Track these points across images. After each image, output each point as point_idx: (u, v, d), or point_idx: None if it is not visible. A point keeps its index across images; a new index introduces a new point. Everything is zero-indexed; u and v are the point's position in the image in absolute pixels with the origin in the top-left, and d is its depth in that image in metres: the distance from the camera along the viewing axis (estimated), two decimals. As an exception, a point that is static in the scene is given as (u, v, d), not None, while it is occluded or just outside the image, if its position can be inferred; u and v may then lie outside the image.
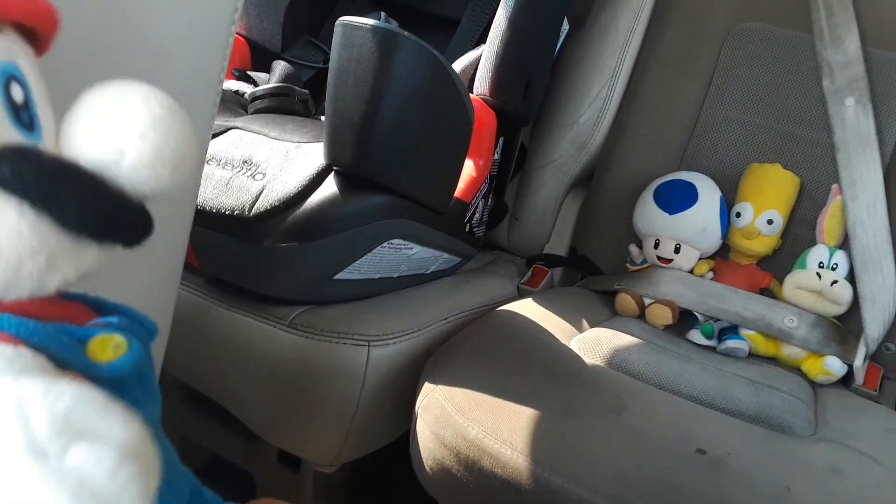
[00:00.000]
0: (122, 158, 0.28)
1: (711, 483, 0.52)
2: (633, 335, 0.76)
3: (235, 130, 0.71)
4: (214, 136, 0.70)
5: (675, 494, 0.51)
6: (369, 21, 0.58)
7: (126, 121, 0.28)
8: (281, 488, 0.82)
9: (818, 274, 0.80)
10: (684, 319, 0.84)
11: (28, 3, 0.27)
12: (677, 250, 0.86)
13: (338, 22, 0.59)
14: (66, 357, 0.26)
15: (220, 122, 0.73)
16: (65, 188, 0.26)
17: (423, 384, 0.64)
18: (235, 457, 0.84)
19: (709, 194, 0.86)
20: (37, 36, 0.29)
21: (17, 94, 0.28)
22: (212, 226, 0.62)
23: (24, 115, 0.28)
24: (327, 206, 0.60)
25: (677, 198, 0.86)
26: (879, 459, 0.59)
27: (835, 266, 0.81)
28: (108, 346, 0.27)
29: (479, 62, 0.81)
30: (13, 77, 0.28)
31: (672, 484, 0.52)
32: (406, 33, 0.58)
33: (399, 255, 0.70)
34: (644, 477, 0.52)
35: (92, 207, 0.26)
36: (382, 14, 0.60)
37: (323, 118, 0.63)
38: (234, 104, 0.82)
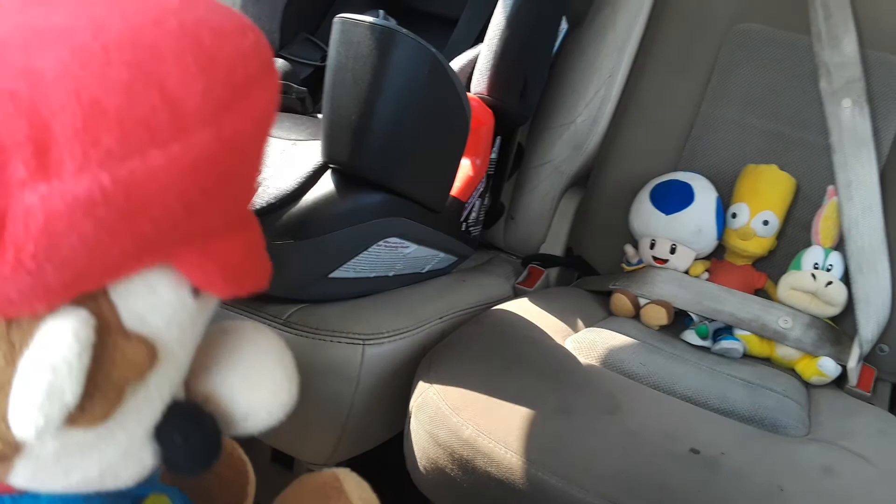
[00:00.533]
0: (243, 421, 0.32)
1: (705, 483, 0.52)
2: (628, 335, 0.76)
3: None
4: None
5: (668, 494, 0.51)
6: (367, 18, 0.58)
7: (268, 396, 0.32)
8: (274, 487, 0.82)
9: (813, 275, 0.81)
10: (679, 320, 0.84)
11: (257, 289, 0.29)
12: (673, 251, 0.86)
13: (336, 19, 0.59)
14: None
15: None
16: (203, 457, 0.30)
17: (417, 383, 0.64)
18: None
19: (705, 195, 0.86)
20: None
21: None
22: (207, 223, 0.61)
23: None
24: (323, 203, 0.60)
25: (673, 198, 0.86)
26: (872, 460, 0.59)
27: (830, 267, 0.81)
28: None
29: (477, 61, 0.81)
30: None
31: (665, 483, 0.52)
32: (404, 31, 0.58)
33: (395, 253, 0.69)
34: (638, 476, 0.53)
35: (204, 467, 0.30)
36: (381, 12, 0.60)
37: (320, 116, 0.62)
38: (231, 101, 0.82)
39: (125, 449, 0.27)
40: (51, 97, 0.21)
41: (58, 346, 0.23)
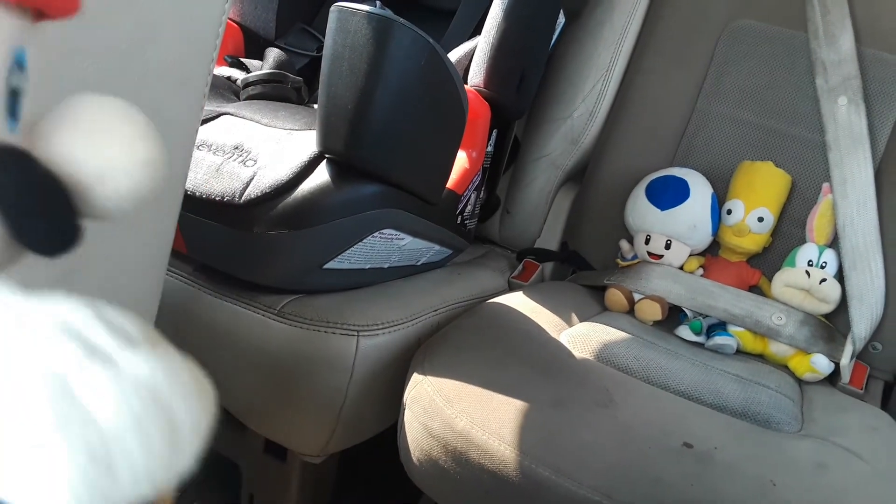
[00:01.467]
0: (99, 185, 0.28)
1: (698, 477, 0.52)
2: (622, 330, 0.76)
3: (227, 116, 0.70)
4: (206, 121, 0.69)
5: (661, 487, 0.51)
6: (364, 7, 0.57)
7: (119, 151, 0.28)
8: (267, 478, 0.82)
9: (807, 272, 0.81)
10: (673, 315, 0.84)
11: None
12: (668, 246, 0.86)
13: (332, 7, 0.59)
14: None
15: (211, 107, 0.72)
16: (45, 208, 0.26)
17: (411, 375, 0.63)
18: (221, 446, 0.83)
19: (700, 191, 0.86)
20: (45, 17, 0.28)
21: (15, 81, 0.27)
22: (201, 212, 0.61)
23: (13, 104, 0.27)
24: (318, 193, 0.60)
25: (669, 194, 0.86)
26: (864, 456, 0.59)
27: (824, 264, 0.82)
28: None
29: (474, 54, 0.81)
30: (20, 64, 0.27)
31: (658, 477, 0.52)
32: (401, 20, 0.57)
33: (390, 245, 0.69)
34: (631, 470, 0.53)
35: (57, 231, 0.26)
36: (377, 2, 0.60)
37: (316, 106, 0.62)
38: (227, 90, 0.82)
39: None
40: None
41: None
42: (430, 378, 0.61)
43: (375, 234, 0.65)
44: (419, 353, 0.66)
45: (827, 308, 0.81)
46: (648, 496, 0.51)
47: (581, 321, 0.78)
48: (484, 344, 0.66)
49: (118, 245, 0.45)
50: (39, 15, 0.26)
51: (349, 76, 0.58)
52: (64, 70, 0.36)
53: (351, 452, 0.75)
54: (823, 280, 0.80)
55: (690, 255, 0.87)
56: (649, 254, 0.87)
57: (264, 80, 0.81)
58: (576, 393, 0.61)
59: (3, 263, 0.26)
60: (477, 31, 0.85)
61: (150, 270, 0.49)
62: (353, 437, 0.70)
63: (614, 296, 0.85)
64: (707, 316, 0.83)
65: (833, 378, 0.79)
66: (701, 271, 0.88)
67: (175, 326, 0.67)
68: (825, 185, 0.84)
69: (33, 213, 0.25)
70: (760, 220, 0.84)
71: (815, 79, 0.87)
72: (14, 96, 0.26)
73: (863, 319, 0.79)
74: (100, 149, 0.28)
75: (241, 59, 0.92)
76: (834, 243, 0.83)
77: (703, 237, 0.87)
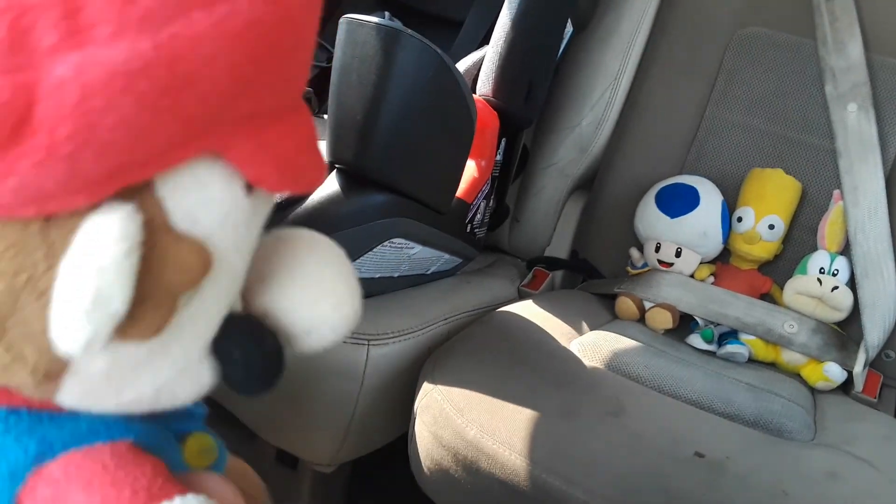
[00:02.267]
0: (305, 337, 0.29)
1: (709, 486, 0.52)
2: (632, 339, 0.75)
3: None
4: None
5: (672, 497, 0.51)
6: (373, 19, 0.58)
7: (330, 310, 0.29)
8: (278, 488, 0.82)
9: (819, 280, 0.80)
10: (684, 323, 0.84)
11: (314, 186, 0.27)
12: (678, 254, 0.86)
13: (342, 19, 0.59)
14: (173, 459, 0.27)
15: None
16: (264, 374, 0.28)
17: (422, 384, 0.63)
18: (233, 455, 0.83)
19: (710, 198, 0.86)
20: None
21: None
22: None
23: None
24: (328, 203, 0.60)
25: (679, 201, 0.86)
26: (877, 465, 0.59)
27: (836, 272, 0.81)
28: (202, 450, 0.29)
29: (483, 63, 0.81)
30: None
31: (670, 487, 0.52)
32: (410, 31, 0.58)
33: (400, 254, 0.69)
34: (642, 479, 0.52)
35: (265, 382, 0.28)
36: (387, 13, 0.60)
37: (326, 117, 0.63)
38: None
39: (181, 365, 0.25)
40: None
41: (103, 244, 0.20)
42: (440, 387, 0.61)
43: (385, 243, 0.65)
44: (429, 361, 0.66)
45: (839, 316, 0.81)
46: (660, 506, 0.50)
47: (591, 330, 0.78)
48: (494, 353, 0.67)
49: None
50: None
51: (358, 87, 0.58)
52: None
53: (362, 461, 0.75)
54: (835, 288, 0.80)
55: (701, 263, 0.87)
56: (659, 262, 0.87)
57: (275, 92, 0.81)
58: (586, 402, 0.61)
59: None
60: (485, 40, 0.86)
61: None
62: (364, 447, 0.70)
63: (624, 304, 0.84)
64: (718, 324, 0.83)
65: (846, 386, 0.79)
66: (712, 279, 0.87)
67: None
68: (836, 192, 0.84)
69: (251, 380, 0.27)
70: (771, 227, 0.84)
71: (825, 86, 0.87)
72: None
73: (875, 327, 0.78)
74: (314, 307, 0.29)
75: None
76: (846, 251, 0.83)
77: (714, 245, 0.86)
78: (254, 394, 0.28)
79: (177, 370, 0.25)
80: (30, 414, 0.24)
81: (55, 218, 0.21)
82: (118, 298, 0.21)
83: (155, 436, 0.27)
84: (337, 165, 0.62)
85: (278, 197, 0.59)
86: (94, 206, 0.21)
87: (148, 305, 0.22)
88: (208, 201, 0.23)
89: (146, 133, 0.20)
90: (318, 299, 0.29)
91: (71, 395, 0.24)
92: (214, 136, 0.22)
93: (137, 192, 0.22)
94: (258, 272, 0.29)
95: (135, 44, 0.19)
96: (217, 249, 0.24)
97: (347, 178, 0.61)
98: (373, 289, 0.71)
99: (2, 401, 0.24)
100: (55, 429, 0.24)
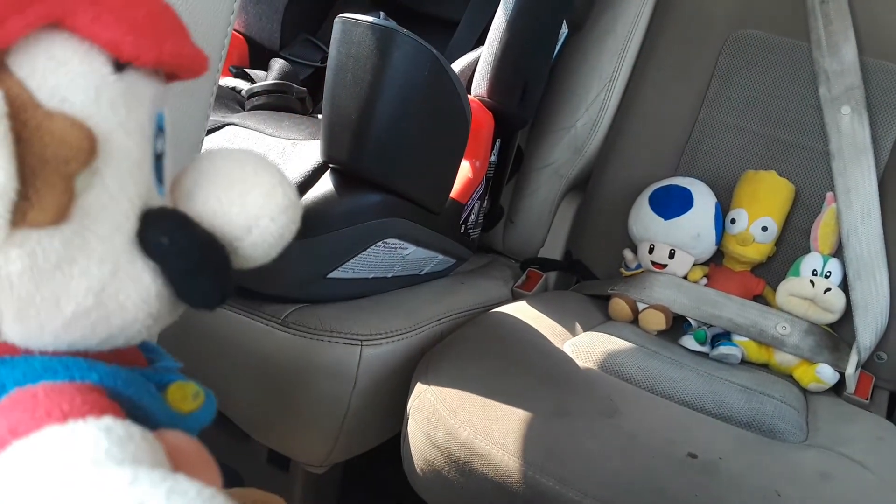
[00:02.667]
0: (247, 235, 0.29)
1: (702, 487, 0.52)
2: (626, 340, 0.76)
3: (232, 127, 0.71)
4: (211, 131, 0.70)
5: (665, 498, 0.51)
6: (368, 18, 0.58)
7: (261, 199, 0.29)
8: (270, 488, 0.81)
9: (811, 281, 0.81)
10: (677, 325, 0.84)
11: (188, 58, 0.27)
12: (672, 255, 0.86)
13: (337, 19, 0.59)
14: (152, 407, 0.26)
15: (216, 117, 0.73)
16: (205, 267, 0.27)
17: (415, 385, 0.63)
18: (224, 456, 0.83)
19: (704, 200, 0.86)
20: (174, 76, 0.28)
21: (160, 145, 0.28)
22: (205, 221, 0.61)
23: (160, 167, 0.28)
24: (322, 203, 0.60)
25: (673, 203, 0.86)
26: (869, 466, 0.59)
27: (828, 274, 0.81)
28: (187, 395, 0.29)
29: (478, 64, 0.81)
30: (160, 128, 0.28)
31: (662, 487, 0.52)
32: (405, 31, 0.58)
33: (394, 254, 0.69)
34: (634, 480, 0.52)
35: (219, 286, 0.27)
36: (382, 13, 0.60)
37: (320, 116, 0.62)
38: (232, 101, 0.82)
39: (111, 263, 0.25)
40: None
41: None
42: (433, 388, 0.61)
43: (379, 243, 0.65)
44: (422, 362, 0.66)
45: (832, 317, 0.81)
46: (653, 507, 0.50)
47: (585, 331, 0.78)
48: (487, 353, 0.66)
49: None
50: (171, 77, 0.28)
51: (353, 86, 0.58)
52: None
53: (354, 462, 0.75)
54: (828, 289, 0.80)
55: (694, 265, 0.87)
56: (653, 263, 0.87)
57: (269, 91, 0.81)
58: (579, 403, 0.61)
59: (166, 321, 0.27)
60: (480, 41, 0.86)
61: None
62: (357, 447, 0.70)
63: (618, 305, 0.85)
64: (711, 325, 0.83)
65: (838, 388, 0.79)
66: (705, 281, 0.87)
67: (178, 335, 0.67)
68: (829, 195, 0.84)
69: (195, 273, 0.26)
70: (764, 229, 0.84)
71: (818, 88, 0.87)
72: (159, 160, 0.28)
73: (868, 329, 0.79)
74: (244, 200, 0.29)
75: (246, 70, 0.92)
76: (838, 253, 0.83)
77: (707, 246, 0.86)
78: (208, 296, 0.27)
79: (107, 269, 0.25)
80: None
81: None
82: (1, 172, 0.21)
83: (129, 382, 0.26)
84: (331, 165, 0.62)
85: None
86: None
87: (39, 185, 0.22)
88: (70, 77, 0.23)
89: None
90: (246, 192, 0.29)
91: (12, 320, 0.24)
92: (48, 1, 0.23)
93: None
94: (183, 188, 0.29)
95: None
96: (101, 130, 0.24)
97: (341, 178, 0.61)
98: (366, 289, 0.71)
99: None
100: (8, 369, 0.24)
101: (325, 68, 0.61)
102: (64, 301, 0.24)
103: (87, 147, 0.23)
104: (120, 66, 0.25)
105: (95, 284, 0.24)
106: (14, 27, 0.22)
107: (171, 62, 0.26)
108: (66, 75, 0.23)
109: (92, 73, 0.24)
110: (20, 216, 0.22)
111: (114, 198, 0.25)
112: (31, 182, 0.22)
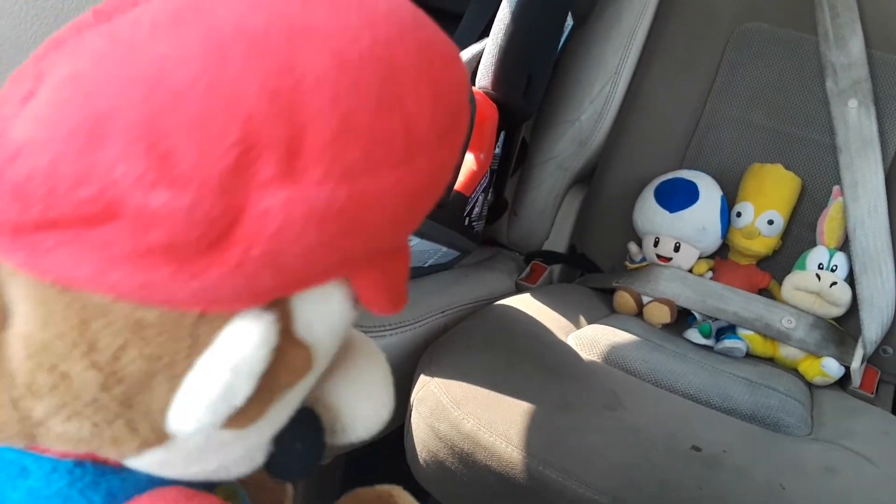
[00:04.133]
0: (343, 433, 0.31)
1: (706, 480, 0.52)
2: (630, 333, 0.75)
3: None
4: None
5: (669, 490, 0.51)
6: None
7: (372, 412, 0.31)
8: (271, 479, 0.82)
9: (817, 275, 0.80)
10: (682, 318, 0.84)
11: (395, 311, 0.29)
12: (677, 249, 0.86)
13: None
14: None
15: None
16: (307, 461, 0.29)
17: (418, 376, 0.63)
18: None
19: (710, 193, 0.86)
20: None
21: None
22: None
23: None
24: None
25: (678, 196, 0.86)
26: (874, 460, 0.59)
27: (834, 268, 0.81)
28: (228, 495, 0.31)
29: (482, 56, 0.81)
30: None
31: (666, 480, 0.52)
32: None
33: (397, 246, 0.69)
34: (638, 472, 0.52)
35: (304, 469, 0.30)
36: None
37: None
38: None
39: (250, 450, 0.27)
40: (310, 100, 0.21)
41: (244, 347, 0.23)
42: (437, 379, 0.61)
43: (383, 235, 0.65)
44: (426, 354, 0.66)
45: (837, 311, 0.81)
46: (656, 498, 0.50)
47: (589, 323, 0.78)
48: (491, 346, 0.66)
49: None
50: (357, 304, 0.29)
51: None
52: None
53: (357, 453, 0.75)
54: (834, 283, 0.79)
55: (699, 258, 0.87)
56: (658, 256, 0.87)
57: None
58: (583, 395, 0.61)
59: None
60: (485, 33, 0.85)
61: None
62: (360, 439, 0.70)
63: (623, 298, 0.84)
64: (716, 319, 0.83)
65: (843, 382, 0.79)
66: (710, 274, 0.87)
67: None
68: (835, 188, 0.84)
69: (296, 465, 0.29)
70: (770, 222, 0.84)
71: (825, 81, 0.87)
72: None
73: (873, 323, 0.78)
74: (359, 403, 0.31)
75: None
76: (844, 246, 0.83)
77: (713, 240, 0.86)
78: (291, 478, 0.30)
79: (244, 452, 0.27)
80: (94, 467, 0.26)
81: (207, 315, 0.23)
82: (242, 395, 0.23)
83: (192, 486, 0.28)
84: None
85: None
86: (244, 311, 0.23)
87: (255, 400, 0.24)
88: (326, 314, 0.26)
89: (315, 260, 0.23)
90: (362, 398, 0.31)
91: (146, 463, 0.25)
92: (355, 265, 0.25)
93: (278, 302, 0.24)
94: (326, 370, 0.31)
95: (335, 191, 0.21)
96: (318, 353, 0.26)
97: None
98: (370, 281, 0.71)
99: (69, 454, 0.26)
100: (118, 481, 0.26)
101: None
102: (195, 467, 0.26)
103: (305, 372, 0.25)
104: (356, 303, 0.27)
105: (227, 461, 0.27)
106: (321, 282, 0.24)
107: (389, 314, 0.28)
108: (323, 311, 0.25)
109: (341, 313, 0.26)
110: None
111: (290, 405, 0.27)
112: (251, 398, 0.24)
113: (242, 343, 0.23)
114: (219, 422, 0.23)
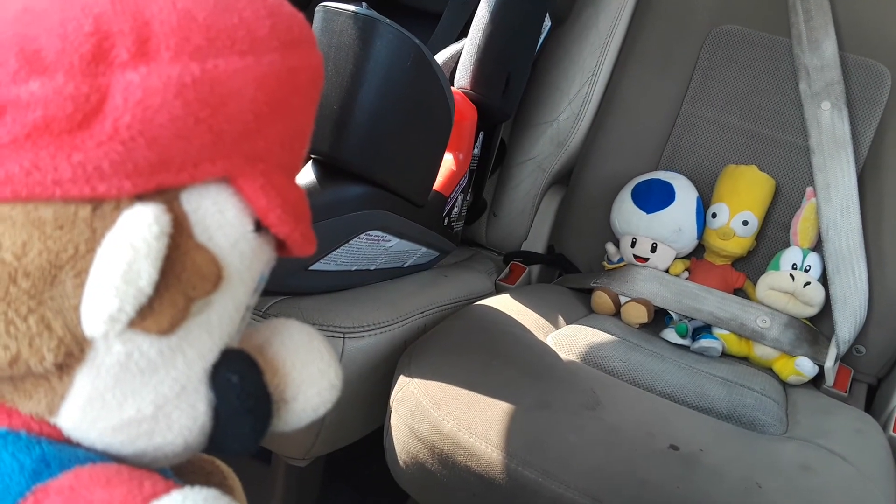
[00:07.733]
0: (293, 400, 0.32)
1: (683, 478, 0.52)
2: (608, 333, 0.76)
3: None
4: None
5: (647, 489, 0.51)
6: (350, 7, 0.57)
7: (317, 374, 0.33)
8: (251, 482, 0.81)
9: (791, 275, 0.81)
10: (659, 318, 0.85)
11: (308, 241, 0.32)
12: (654, 249, 0.86)
13: (318, 7, 0.58)
14: None
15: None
16: (254, 415, 0.30)
17: (398, 377, 0.63)
18: (204, 450, 0.82)
19: (686, 194, 0.87)
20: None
21: (253, 300, 0.32)
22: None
23: (245, 318, 0.32)
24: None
25: (655, 197, 0.86)
26: (848, 458, 0.59)
27: (808, 268, 0.82)
28: None
29: (461, 56, 0.81)
30: (257, 288, 0.32)
31: (645, 479, 0.52)
32: (387, 20, 0.57)
33: (376, 247, 0.69)
34: (616, 471, 0.52)
35: (254, 436, 0.30)
36: (364, 3, 0.60)
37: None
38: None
39: (182, 383, 0.28)
40: (152, 3, 0.26)
41: (138, 227, 0.25)
42: (416, 380, 0.61)
43: (362, 235, 0.65)
44: (405, 355, 0.66)
45: (811, 311, 0.82)
46: (634, 498, 0.51)
47: (567, 323, 0.78)
48: (471, 346, 0.66)
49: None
50: (280, 248, 0.32)
51: (334, 76, 0.57)
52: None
53: (336, 455, 0.74)
54: (807, 283, 0.80)
55: (676, 259, 0.88)
56: (635, 257, 0.87)
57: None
58: (562, 395, 0.61)
59: (183, 458, 0.30)
60: (463, 33, 0.85)
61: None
62: (339, 440, 0.70)
63: (600, 298, 0.85)
64: (692, 319, 0.84)
65: (817, 381, 0.80)
66: (686, 274, 0.88)
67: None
68: (808, 189, 0.85)
69: (243, 416, 0.29)
70: (745, 223, 0.85)
71: (799, 83, 0.88)
72: (247, 311, 0.31)
73: (847, 323, 0.79)
74: (304, 368, 0.32)
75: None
76: (818, 247, 0.84)
77: (689, 240, 0.87)
78: (242, 441, 0.29)
79: (177, 388, 0.28)
80: (28, 436, 0.27)
81: (101, 209, 0.25)
82: (145, 277, 0.25)
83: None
84: (312, 156, 0.61)
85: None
86: (132, 204, 0.26)
87: (165, 299, 0.26)
88: (223, 224, 0.28)
89: (185, 136, 0.26)
90: (308, 362, 0.32)
91: (74, 407, 0.27)
92: (233, 161, 0.28)
93: (167, 200, 0.27)
94: (254, 342, 0.32)
95: (187, 66, 0.26)
96: (227, 269, 0.28)
97: (323, 169, 0.61)
98: (349, 281, 0.71)
99: (2, 422, 0.27)
100: (54, 451, 0.26)
101: (306, 58, 0.60)
102: (128, 404, 0.27)
103: (214, 280, 0.27)
104: (259, 227, 0.29)
105: (161, 398, 0.27)
106: (201, 173, 0.27)
107: (296, 240, 0.31)
108: (220, 221, 0.28)
109: (239, 226, 0.28)
110: (138, 319, 0.26)
111: (212, 329, 0.28)
112: (160, 294, 0.26)
113: (136, 222, 0.25)
114: (128, 309, 0.25)
